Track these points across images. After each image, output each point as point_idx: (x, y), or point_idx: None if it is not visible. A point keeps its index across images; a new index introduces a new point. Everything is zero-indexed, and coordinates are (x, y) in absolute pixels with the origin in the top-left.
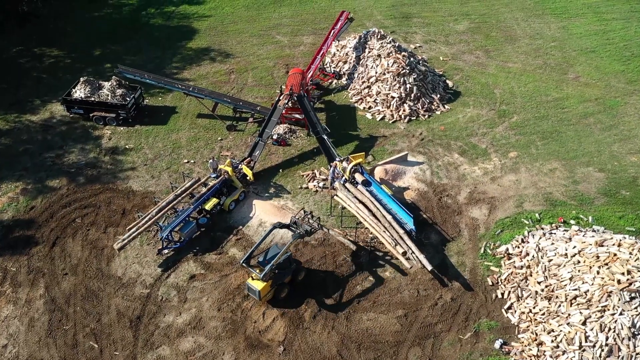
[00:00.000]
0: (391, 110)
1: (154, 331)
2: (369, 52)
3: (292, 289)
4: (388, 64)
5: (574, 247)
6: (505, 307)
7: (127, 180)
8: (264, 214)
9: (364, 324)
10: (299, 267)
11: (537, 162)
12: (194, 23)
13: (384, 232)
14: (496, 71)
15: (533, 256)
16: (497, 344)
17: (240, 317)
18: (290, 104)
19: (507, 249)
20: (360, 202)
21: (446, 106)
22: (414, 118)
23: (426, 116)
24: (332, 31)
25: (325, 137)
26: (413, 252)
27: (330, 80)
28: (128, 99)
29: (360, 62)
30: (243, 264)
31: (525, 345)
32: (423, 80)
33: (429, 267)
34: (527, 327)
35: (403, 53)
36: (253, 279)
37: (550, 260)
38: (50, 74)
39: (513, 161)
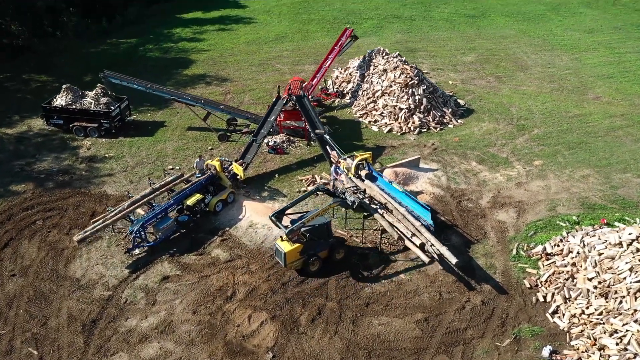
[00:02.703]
0: (399, 123)
1: (110, 336)
2: (374, 68)
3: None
4: (395, 76)
5: (630, 233)
6: (550, 311)
7: (101, 185)
8: (257, 215)
9: (374, 328)
10: (339, 243)
11: (567, 169)
12: (192, 55)
13: (398, 223)
14: (510, 93)
15: (578, 252)
16: (545, 352)
17: (220, 320)
18: (289, 106)
19: (545, 249)
20: (369, 198)
21: (459, 120)
22: (425, 130)
23: (438, 128)
24: (335, 47)
25: (328, 137)
26: (432, 244)
27: (332, 99)
28: (113, 107)
29: (365, 80)
30: (271, 217)
31: (583, 352)
32: (433, 93)
33: (453, 260)
34: (582, 331)
35: (411, 65)
36: (282, 240)
37: (600, 254)
38: (35, 95)
39: (539, 169)
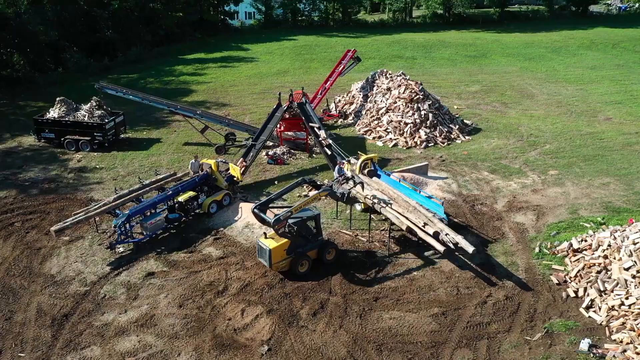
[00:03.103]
0: (405, 137)
1: (83, 330)
2: (377, 88)
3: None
4: (399, 92)
5: None
6: (584, 305)
7: (89, 192)
8: (253, 217)
9: (384, 322)
10: (329, 242)
11: (585, 178)
12: (193, 86)
13: (407, 213)
14: (517, 115)
15: (609, 244)
16: (583, 345)
17: (210, 314)
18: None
19: (571, 245)
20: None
21: (467, 137)
22: (432, 144)
23: (445, 143)
24: (337, 68)
25: (331, 142)
26: (447, 233)
27: (335, 120)
28: (107, 120)
29: (369, 100)
30: (254, 210)
31: (627, 344)
32: (439, 110)
33: (470, 249)
34: (623, 323)
35: (415, 81)
36: (266, 237)
37: (636, 243)
38: (29, 117)
39: (555, 177)
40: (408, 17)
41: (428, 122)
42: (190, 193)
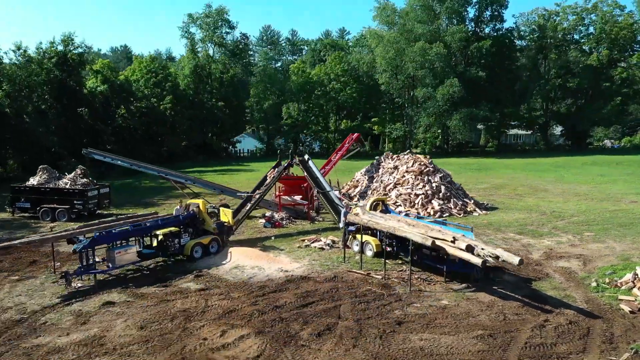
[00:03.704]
0: (417, 209)
1: (4, 352)
2: (384, 169)
3: None
4: (407, 167)
5: None
6: None
7: (56, 245)
8: (246, 258)
9: (413, 343)
10: None
11: (627, 237)
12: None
13: (433, 232)
14: (535, 200)
15: None
16: None
17: (179, 334)
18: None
19: (637, 275)
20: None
21: (484, 211)
22: (447, 214)
23: (461, 214)
24: (340, 150)
25: (336, 193)
26: (483, 248)
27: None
28: (90, 187)
29: (374, 180)
30: None
31: None
32: (451, 184)
33: (516, 260)
34: None
35: (424, 155)
36: None
37: None
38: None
39: (593, 237)
40: (408, 145)
41: (441, 194)
42: (172, 229)
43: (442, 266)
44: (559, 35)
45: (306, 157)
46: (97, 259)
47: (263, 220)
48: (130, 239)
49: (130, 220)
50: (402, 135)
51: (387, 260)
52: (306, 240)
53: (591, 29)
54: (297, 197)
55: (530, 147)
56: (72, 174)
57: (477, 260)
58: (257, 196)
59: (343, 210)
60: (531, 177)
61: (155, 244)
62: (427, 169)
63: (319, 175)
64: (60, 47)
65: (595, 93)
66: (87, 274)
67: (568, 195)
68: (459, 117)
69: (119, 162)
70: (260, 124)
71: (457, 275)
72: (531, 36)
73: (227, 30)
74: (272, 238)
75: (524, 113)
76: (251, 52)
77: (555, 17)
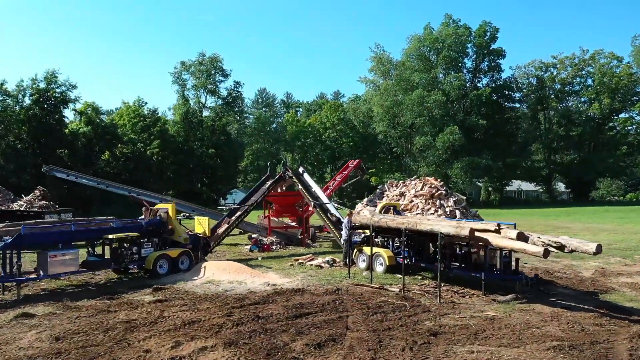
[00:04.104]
0: None
1: None
2: (388, 198)
3: None
4: (416, 190)
5: None
6: None
7: None
8: (222, 273)
9: (462, 355)
10: None
11: None
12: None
13: (467, 225)
14: (562, 233)
15: None
16: None
17: (110, 346)
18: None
19: None
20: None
21: None
22: None
23: None
24: (339, 176)
25: (333, 205)
26: (539, 236)
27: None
28: (49, 210)
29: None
30: None
31: None
32: (467, 209)
33: (592, 246)
34: None
35: (434, 177)
36: None
37: None
38: None
39: None
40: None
41: (456, 219)
42: (131, 234)
43: (478, 274)
44: (557, 87)
45: (301, 169)
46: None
47: (248, 246)
48: (74, 244)
49: (77, 221)
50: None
51: (403, 276)
52: (301, 259)
53: (589, 81)
54: (289, 221)
55: (534, 199)
56: (30, 196)
57: (536, 249)
58: (241, 210)
59: (345, 219)
60: (546, 220)
61: (108, 253)
62: (439, 192)
63: (315, 186)
64: (42, 85)
65: (598, 143)
66: (8, 282)
67: (595, 231)
68: (460, 166)
69: (84, 180)
70: (256, 177)
71: (497, 288)
72: (529, 88)
73: (221, 78)
74: (259, 258)
75: (526, 164)
76: (246, 114)
77: (552, 69)
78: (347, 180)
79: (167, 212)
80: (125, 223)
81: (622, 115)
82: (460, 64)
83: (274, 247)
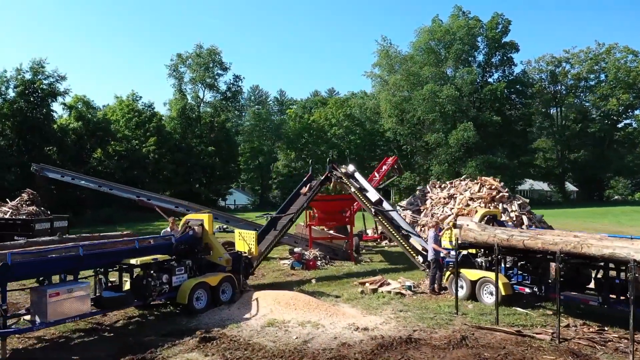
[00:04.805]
0: None
1: None
2: (433, 201)
3: None
4: (471, 192)
5: None
6: None
7: None
8: (284, 308)
9: None
10: None
11: None
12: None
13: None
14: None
15: None
16: None
17: None
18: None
19: None
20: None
21: None
22: None
23: None
24: (378, 172)
25: (398, 211)
26: None
27: (377, 242)
28: (40, 217)
29: (423, 214)
30: None
31: None
32: (531, 214)
33: None
34: None
35: (493, 177)
36: None
37: None
38: None
39: None
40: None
41: (524, 226)
42: (158, 256)
43: None
44: (570, 82)
45: (351, 168)
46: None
47: (288, 261)
48: (82, 273)
49: (86, 242)
50: (410, 185)
51: (559, 317)
52: (368, 282)
53: (602, 76)
54: (331, 231)
55: (547, 200)
56: (16, 201)
57: None
58: (287, 220)
59: (431, 233)
60: (583, 222)
61: (126, 284)
62: (501, 194)
63: (371, 189)
64: (28, 76)
65: (613, 140)
66: None
67: None
68: (475, 165)
69: (83, 182)
70: (253, 176)
71: None
72: (540, 83)
73: (220, 71)
74: (313, 281)
75: (541, 161)
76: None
77: (565, 64)
78: (384, 180)
79: (202, 225)
80: (150, 242)
81: (638, 112)
82: (471, 58)
83: (320, 262)
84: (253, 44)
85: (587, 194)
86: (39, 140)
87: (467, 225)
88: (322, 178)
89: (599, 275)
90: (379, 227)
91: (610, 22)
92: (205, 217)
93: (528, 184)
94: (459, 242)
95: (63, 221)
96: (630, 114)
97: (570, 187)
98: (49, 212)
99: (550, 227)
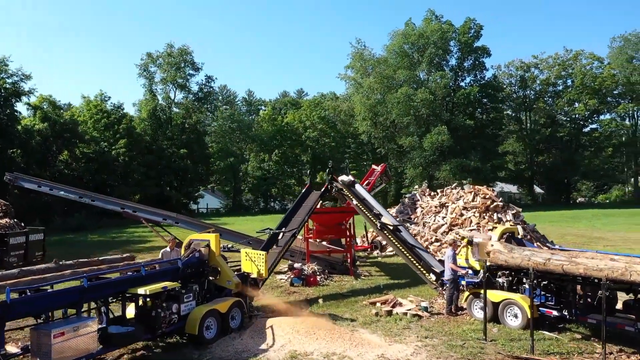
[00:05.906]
0: None
1: None
2: (423, 210)
3: None
4: (465, 201)
5: None
6: None
7: None
8: (303, 337)
9: None
10: None
11: None
12: (151, 237)
13: None
14: (610, 248)
15: None
16: None
17: None
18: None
19: None
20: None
21: None
22: None
23: None
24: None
25: (407, 226)
26: None
27: (368, 252)
28: (14, 231)
29: (413, 223)
30: None
31: None
32: (525, 223)
33: None
34: None
35: (487, 186)
36: None
37: None
38: None
39: None
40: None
41: (519, 235)
42: (167, 284)
43: None
44: (538, 88)
45: (348, 178)
46: (15, 350)
47: (285, 276)
48: (84, 306)
49: (85, 268)
50: (383, 189)
51: (604, 346)
52: (379, 304)
53: (569, 82)
54: (324, 242)
55: (517, 202)
56: None
57: None
58: (289, 234)
59: (450, 252)
60: (560, 227)
61: (131, 314)
62: (495, 204)
63: (372, 200)
64: None
65: (580, 144)
66: None
67: (630, 243)
68: (449, 168)
69: (62, 192)
70: (224, 178)
71: None
72: (510, 88)
73: (191, 72)
74: (320, 301)
75: (511, 165)
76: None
77: (533, 69)
78: (374, 189)
79: (208, 246)
80: (156, 267)
81: (603, 117)
82: (443, 62)
83: (320, 276)
84: (220, 42)
85: (554, 197)
86: (2, 143)
87: (493, 246)
88: (322, 190)
89: (629, 297)
90: (369, 236)
91: (577, 29)
92: (212, 237)
93: (499, 187)
94: (488, 264)
95: (39, 234)
96: (596, 118)
97: (537, 189)
98: (22, 224)
99: (544, 237)
